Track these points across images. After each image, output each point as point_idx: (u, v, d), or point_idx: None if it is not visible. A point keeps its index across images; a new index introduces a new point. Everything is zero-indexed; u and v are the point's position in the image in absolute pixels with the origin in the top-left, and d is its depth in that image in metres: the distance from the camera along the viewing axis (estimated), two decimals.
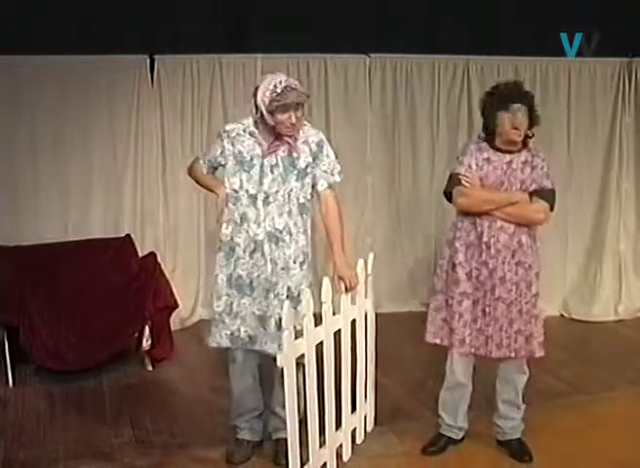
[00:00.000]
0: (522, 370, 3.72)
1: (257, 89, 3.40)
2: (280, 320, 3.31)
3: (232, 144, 3.51)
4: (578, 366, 5.07)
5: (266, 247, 3.48)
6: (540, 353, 3.66)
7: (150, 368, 5.01)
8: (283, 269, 3.49)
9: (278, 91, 3.32)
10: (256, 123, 3.49)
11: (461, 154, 3.72)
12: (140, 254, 5.38)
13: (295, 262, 3.51)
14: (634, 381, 4.75)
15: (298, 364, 3.31)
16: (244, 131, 3.51)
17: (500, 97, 3.56)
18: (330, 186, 3.57)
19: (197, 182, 3.80)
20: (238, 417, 3.78)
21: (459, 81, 6.13)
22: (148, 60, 5.69)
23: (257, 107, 3.40)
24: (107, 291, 5.03)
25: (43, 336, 4.71)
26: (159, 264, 5.18)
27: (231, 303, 3.56)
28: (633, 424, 4.10)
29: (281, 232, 3.48)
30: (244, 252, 3.51)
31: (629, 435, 3.96)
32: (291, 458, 3.28)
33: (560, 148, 6.19)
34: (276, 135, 3.44)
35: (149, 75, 5.73)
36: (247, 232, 3.49)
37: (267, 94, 3.33)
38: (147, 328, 4.91)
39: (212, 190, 3.67)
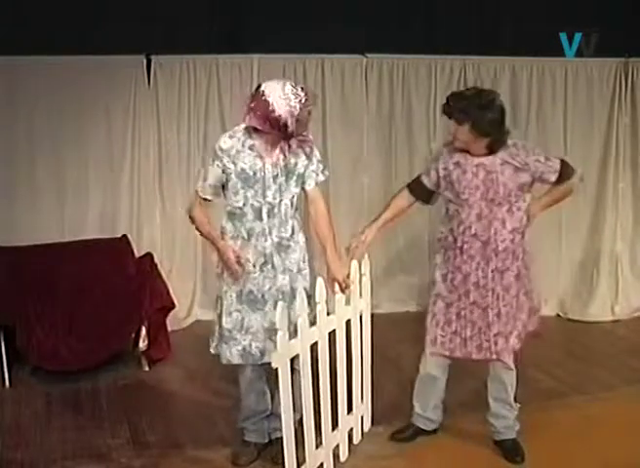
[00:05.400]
0: (509, 367, 3.70)
1: (261, 102, 3.27)
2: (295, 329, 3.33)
3: (234, 163, 3.41)
4: (574, 366, 5.08)
5: (276, 258, 3.49)
6: (518, 345, 3.65)
7: (147, 368, 5.01)
8: (297, 272, 3.53)
9: (303, 97, 3.28)
10: (248, 132, 3.42)
11: (433, 159, 3.74)
12: (137, 255, 5.37)
13: (304, 262, 3.58)
14: (631, 381, 4.75)
15: (293, 370, 3.31)
16: (242, 145, 3.42)
17: (450, 105, 3.52)
18: (317, 185, 3.58)
19: (197, 228, 3.59)
20: (246, 420, 3.77)
21: (455, 82, 6.11)
22: (145, 61, 5.69)
23: (273, 121, 3.28)
24: (104, 291, 5.02)
25: (40, 337, 4.71)
26: (156, 265, 5.17)
27: (242, 319, 3.52)
28: (631, 424, 4.10)
29: (288, 239, 3.51)
30: (254, 266, 3.49)
31: (627, 435, 3.96)
32: (287, 458, 3.29)
33: (557, 148, 6.17)
34: (272, 141, 3.40)
35: (146, 76, 5.73)
36: (255, 247, 3.48)
37: (295, 103, 3.25)
38: (144, 328, 4.91)
39: (213, 243, 3.54)
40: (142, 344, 4.92)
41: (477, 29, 6.03)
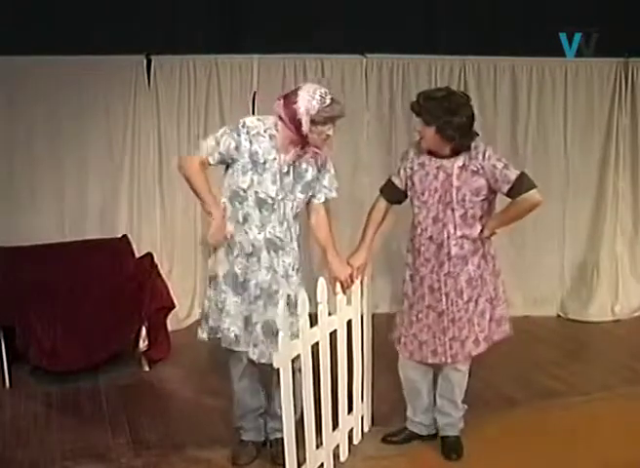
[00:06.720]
0: (458, 369, 3.71)
1: (293, 92, 3.33)
2: (269, 326, 3.36)
3: (250, 142, 3.39)
4: (573, 366, 5.08)
5: (264, 253, 3.46)
6: (476, 351, 3.63)
7: (147, 368, 5.01)
8: (283, 277, 3.49)
9: (327, 102, 3.28)
10: (274, 124, 3.42)
11: (402, 159, 3.73)
12: (137, 255, 5.38)
13: (293, 269, 3.52)
14: (630, 381, 4.76)
15: (294, 371, 3.31)
16: (265, 131, 3.41)
17: (420, 104, 3.48)
18: (326, 201, 3.61)
19: (188, 180, 3.46)
20: (242, 418, 3.77)
21: (455, 81, 6.11)
22: (145, 61, 5.69)
23: (292, 114, 3.29)
24: (104, 291, 5.01)
25: (40, 337, 4.70)
26: (156, 265, 5.17)
27: (224, 299, 3.52)
28: (630, 424, 4.10)
29: (282, 240, 3.48)
30: (241, 251, 3.48)
31: (625, 435, 3.96)
32: (287, 458, 3.29)
33: (557, 148, 6.20)
34: (301, 144, 3.40)
35: (146, 76, 5.72)
36: (246, 233, 3.46)
37: (315, 103, 3.26)
38: (144, 328, 4.91)
39: (203, 201, 3.45)
40: (143, 344, 4.92)
41: (477, 29, 6.02)
